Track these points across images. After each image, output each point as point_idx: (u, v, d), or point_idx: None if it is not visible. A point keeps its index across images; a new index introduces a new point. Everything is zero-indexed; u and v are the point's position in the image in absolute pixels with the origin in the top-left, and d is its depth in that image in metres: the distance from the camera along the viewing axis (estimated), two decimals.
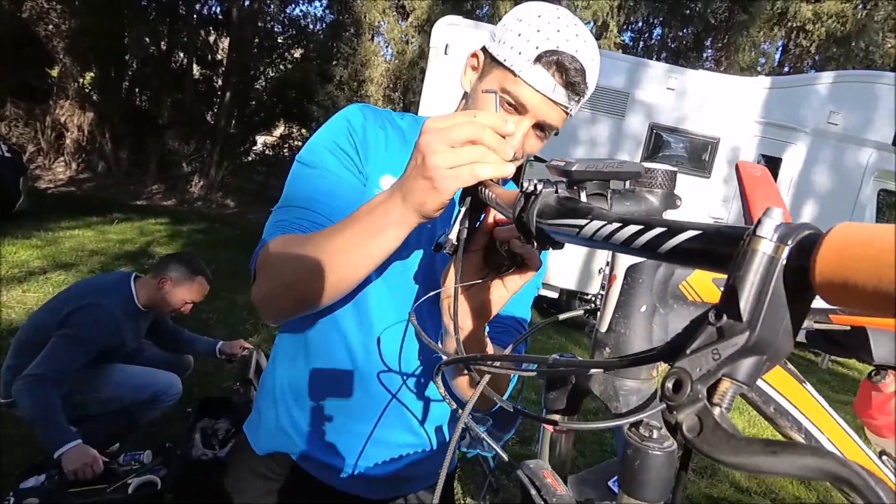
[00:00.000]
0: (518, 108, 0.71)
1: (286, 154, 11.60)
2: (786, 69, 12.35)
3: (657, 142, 5.68)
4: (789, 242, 0.24)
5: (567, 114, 0.73)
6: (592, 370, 0.41)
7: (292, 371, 0.81)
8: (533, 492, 0.44)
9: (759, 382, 0.48)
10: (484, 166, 0.52)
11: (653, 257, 0.31)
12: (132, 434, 2.12)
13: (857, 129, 5.61)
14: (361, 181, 0.75)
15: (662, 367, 0.31)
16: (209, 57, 11.24)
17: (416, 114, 0.80)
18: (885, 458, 0.59)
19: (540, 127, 0.73)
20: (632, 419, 0.35)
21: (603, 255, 0.47)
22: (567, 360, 0.38)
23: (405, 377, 0.79)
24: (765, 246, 0.24)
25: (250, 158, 11.82)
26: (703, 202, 5.61)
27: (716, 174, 5.67)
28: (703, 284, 0.50)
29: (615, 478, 0.64)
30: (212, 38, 11.17)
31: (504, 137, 0.54)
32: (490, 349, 0.69)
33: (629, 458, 0.38)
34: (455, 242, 0.57)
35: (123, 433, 2.09)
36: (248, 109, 11.53)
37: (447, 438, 0.86)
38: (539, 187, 0.43)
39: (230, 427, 1.85)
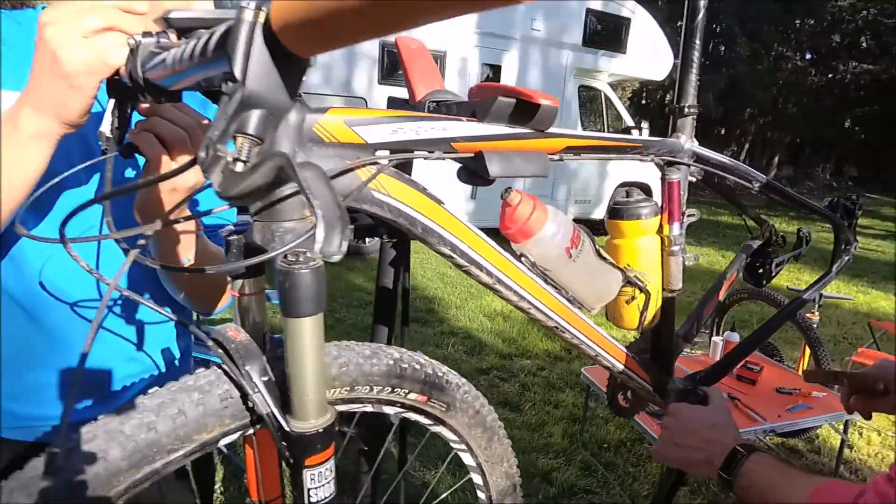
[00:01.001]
0: None
1: None
2: None
3: (391, 59, 5.99)
4: (264, 8, 0.31)
5: None
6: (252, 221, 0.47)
7: None
8: (210, 343, 0.49)
9: (434, 228, 0.60)
10: (122, 51, 0.51)
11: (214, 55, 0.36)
12: None
13: (555, 33, 6.88)
14: None
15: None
16: None
17: None
18: (523, 258, 0.81)
19: None
20: (281, 251, 0.42)
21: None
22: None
23: (110, 306, 0.79)
24: (247, 14, 0.31)
25: None
26: None
27: (447, 87, 6.34)
28: (337, 127, 0.59)
29: None
30: None
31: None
32: (212, 250, 0.77)
33: (282, 284, 0.45)
34: (109, 136, 0.56)
35: None
36: None
37: (176, 357, 0.89)
38: (138, 39, 0.45)
39: None
